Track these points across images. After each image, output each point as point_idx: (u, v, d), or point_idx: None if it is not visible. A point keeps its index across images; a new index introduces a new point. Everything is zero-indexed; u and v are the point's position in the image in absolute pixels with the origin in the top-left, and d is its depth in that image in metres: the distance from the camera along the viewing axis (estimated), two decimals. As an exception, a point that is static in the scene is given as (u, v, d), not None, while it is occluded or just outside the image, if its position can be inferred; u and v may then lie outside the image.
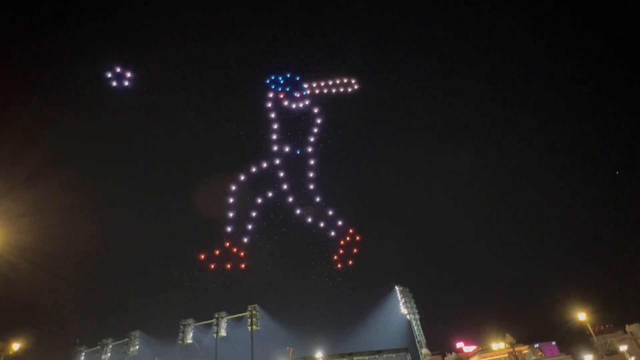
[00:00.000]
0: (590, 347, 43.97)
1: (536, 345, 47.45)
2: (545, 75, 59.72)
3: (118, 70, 42.52)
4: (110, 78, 42.39)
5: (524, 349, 45.71)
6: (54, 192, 37.68)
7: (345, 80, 47.34)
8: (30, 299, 40.82)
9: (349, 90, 47.15)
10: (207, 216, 47.11)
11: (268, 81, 46.54)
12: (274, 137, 45.63)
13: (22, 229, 31.55)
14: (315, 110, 46.58)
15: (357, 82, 47.58)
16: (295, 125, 46.18)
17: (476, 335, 50.22)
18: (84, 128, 45.26)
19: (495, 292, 50.59)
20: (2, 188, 31.79)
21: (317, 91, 46.64)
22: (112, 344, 47.33)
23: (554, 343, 47.45)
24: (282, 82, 46.41)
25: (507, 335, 42.51)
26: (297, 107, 46.35)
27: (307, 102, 46.30)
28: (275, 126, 45.59)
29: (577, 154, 58.06)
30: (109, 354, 47.37)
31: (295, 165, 45.76)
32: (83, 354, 48.05)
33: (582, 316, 42.19)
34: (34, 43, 44.51)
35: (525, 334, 46.31)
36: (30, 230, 33.12)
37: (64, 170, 41.02)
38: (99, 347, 47.72)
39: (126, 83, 42.80)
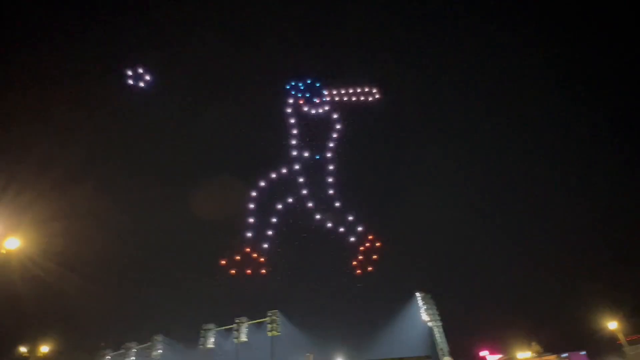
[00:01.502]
0: (622, 357, 42.18)
1: (565, 355, 45.73)
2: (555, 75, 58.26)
3: (140, 71, 43.06)
4: (132, 80, 42.92)
5: (552, 359, 44.27)
6: (83, 196, 38.85)
7: (366, 89, 47.40)
8: (58, 303, 41.96)
9: (370, 97, 47.20)
10: (227, 221, 47.69)
11: (288, 87, 47.03)
12: (294, 142, 45.99)
13: (52, 233, 32.60)
14: (335, 116, 46.77)
15: (378, 90, 47.56)
16: (314, 131, 46.49)
17: (501, 343, 49.02)
18: (111, 133, 46.61)
19: (521, 297, 49.20)
20: (34, 193, 32.97)
21: (337, 98, 46.84)
22: (136, 347, 48.23)
23: (584, 353, 45.42)
24: (302, 87, 46.85)
25: (534, 343, 41.46)
26: (317, 112, 46.64)
27: (326, 108, 46.55)
28: (295, 131, 45.97)
29: (600, 147, 56.01)
30: (132, 358, 48.27)
31: (314, 170, 45.98)
32: (108, 357, 49.10)
33: (613, 324, 40.67)
34: (60, 49, 45.94)
35: (553, 342, 44.96)
36: (60, 235, 34.21)
37: (93, 176, 42.31)
38: (122, 350, 48.69)
39: (145, 85, 43.29)
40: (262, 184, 45.62)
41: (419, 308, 46.96)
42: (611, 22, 54.86)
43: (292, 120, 46.23)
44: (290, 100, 46.57)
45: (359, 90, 47.07)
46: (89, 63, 46.28)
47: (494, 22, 57.80)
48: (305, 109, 46.37)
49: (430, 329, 45.61)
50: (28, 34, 46.24)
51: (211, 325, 44.17)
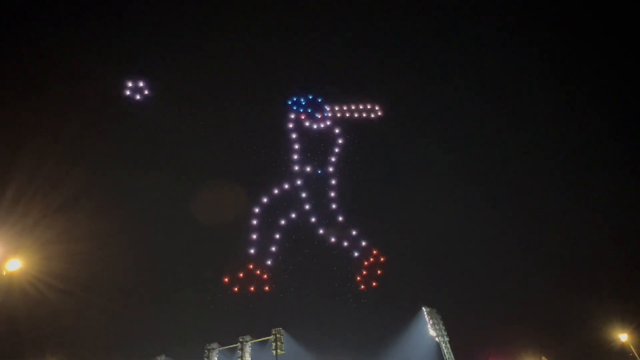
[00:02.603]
0: (635, 371, 41.35)
1: (575, 369, 44.96)
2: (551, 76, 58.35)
3: (140, 84, 42.58)
4: (132, 95, 42.31)
5: (562, 373, 43.45)
6: (83, 219, 38.53)
7: (368, 104, 47.45)
8: (59, 325, 41.30)
9: (371, 113, 47.23)
10: (229, 239, 47.25)
11: (290, 102, 47.07)
12: (295, 157, 45.83)
13: (53, 256, 32.24)
14: (337, 131, 46.74)
15: (380, 103, 47.63)
16: (316, 146, 46.36)
17: (509, 358, 48.16)
18: (111, 154, 46.46)
19: (529, 310, 48.52)
20: (36, 216, 32.70)
21: (339, 114, 46.87)
22: (138, 369, 47.32)
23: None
24: (303, 103, 46.89)
25: (543, 357, 40.65)
26: (319, 127, 46.60)
27: (328, 123, 46.53)
28: (297, 146, 45.85)
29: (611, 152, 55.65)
30: (134, 379, 47.32)
31: (316, 185, 45.68)
32: (109, 379, 48.11)
33: (624, 337, 40.02)
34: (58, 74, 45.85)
35: (563, 356, 44.13)
36: (60, 257, 33.79)
37: (94, 198, 41.97)
38: (125, 372, 47.73)
39: (143, 99, 42.64)
40: (264, 199, 45.26)
41: (426, 323, 46.27)
42: (612, 22, 55.00)
43: (294, 135, 46.17)
44: (292, 115, 46.58)
45: (360, 105, 47.14)
46: (89, 79, 46.15)
47: (494, 22, 57.95)
48: (307, 124, 46.34)
49: (438, 344, 44.90)
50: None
51: (214, 345, 43.51)
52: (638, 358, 39.27)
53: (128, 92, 41.88)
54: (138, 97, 42.59)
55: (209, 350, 42.85)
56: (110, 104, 44.26)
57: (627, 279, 46.03)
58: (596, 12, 54.20)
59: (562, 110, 57.45)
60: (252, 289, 42.32)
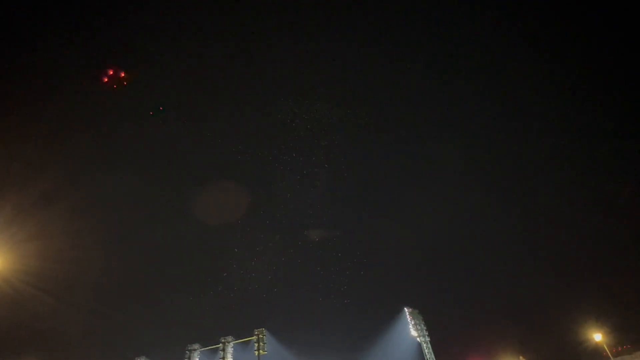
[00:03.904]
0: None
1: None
2: (545, 75, 59.22)
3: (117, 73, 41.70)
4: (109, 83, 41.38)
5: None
6: (61, 216, 37.67)
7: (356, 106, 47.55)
8: (35, 324, 40.26)
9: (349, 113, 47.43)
10: (213, 238, 46.91)
11: (279, 101, 47.06)
12: (284, 157, 45.84)
13: (28, 254, 31.38)
14: (321, 132, 46.89)
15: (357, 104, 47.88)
16: (302, 147, 46.44)
17: (489, 358, 48.97)
18: (93, 151, 45.59)
19: (508, 312, 49.44)
20: (9, 212, 31.77)
21: (319, 113, 47.04)
22: (117, 370, 46.48)
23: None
24: (287, 105, 46.95)
25: (521, 357, 41.41)
26: (304, 128, 46.69)
27: (311, 124, 46.65)
28: (284, 147, 45.86)
29: (590, 161, 56.77)
30: (113, 381, 46.46)
31: (301, 185, 45.76)
32: (87, 380, 47.14)
33: (597, 337, 41.05)
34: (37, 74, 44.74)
35: (540, 356, 45.09)
36: (36, 255, 32.93)
37: (72, 195, 41.09)
38: (102, 373, 46.83)
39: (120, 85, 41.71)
40: (249, 199, 45.13)
41: (407, 323, 46.65)
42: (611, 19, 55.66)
43: (281, 136, 46.21)
44: (279, 115, 46.62)
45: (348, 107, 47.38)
46: (73, 72, 45.22)
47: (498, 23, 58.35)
48: (295, 122, 46.41)
49: (419, 344, 45.31)
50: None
51: (196, 345, 42.96)
52: (611, 357, 40.42)
53: (106, 80, 41.03)
54: (115, 86, 41.73)
55: (190, 351, 42.29)
56: (87, 98, 43.54)
57: (601, 282, 47.41)
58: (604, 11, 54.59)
59: (564, 112, 58.30)
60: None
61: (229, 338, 41.94)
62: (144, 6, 50.55)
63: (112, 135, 45.47)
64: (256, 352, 39.46)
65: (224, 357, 40.76)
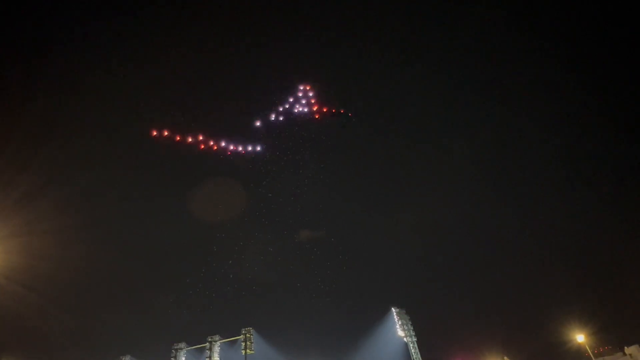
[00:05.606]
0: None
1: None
2: (544, 74, 59.68)
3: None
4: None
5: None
6: (46, 213, 37.10)
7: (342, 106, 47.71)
8: (18, 322, 39.58)
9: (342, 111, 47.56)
10: (197, 238, 46.67)
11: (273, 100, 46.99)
12: (267, 156, 45.79)
13: (13, 250, 30.86)
14: (306, 129, 47.01)
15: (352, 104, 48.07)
16: (288, 146, 46.42)
17: (474, 358, 49.51)
18: (77, 148, 45.01)
19: (493, 313, 50.04)
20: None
21: (318, 110, 47.08)
22: (102, 368, 45.90)
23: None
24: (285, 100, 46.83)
25: (505, 357, 41.94)
26: (291, 128, 46.77)
27: (298, 124, 46.72)
28: (269, 146, 45.83)
29: (578, 164, 57.49)
30: (97, 380, 45.89)
31: (284, 183, 45.76)
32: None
33: (580, 338, 41.82)
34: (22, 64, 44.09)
35: (523, 356, 45.77)
36: (21, 252, 32.43)
37: (57, 191, 40.50)
38: (86, 373, 46.25)
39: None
40: (234, 197, 45.01)
41: (394, 323, 46.93)
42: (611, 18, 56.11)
43: (266, 135, 46.15)
44: (272, 115, 46.52)
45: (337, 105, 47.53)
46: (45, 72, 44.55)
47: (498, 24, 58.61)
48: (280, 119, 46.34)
49: (406, 344, 45.62)
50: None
51: (182, 345, 42.62)
52: (593, 358, 41.21)
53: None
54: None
55: (176, 350, 41.91)
56: (70, 92, 43.02)
57: (584, 284, 48.31)
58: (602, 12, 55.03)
59: (566, 114, 58.75)
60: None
61: (216, 337, 41.64)
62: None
63: (96, 132, 44.90)
64: (243, 352, 39.24)
65: (210, 357, 40.47)
